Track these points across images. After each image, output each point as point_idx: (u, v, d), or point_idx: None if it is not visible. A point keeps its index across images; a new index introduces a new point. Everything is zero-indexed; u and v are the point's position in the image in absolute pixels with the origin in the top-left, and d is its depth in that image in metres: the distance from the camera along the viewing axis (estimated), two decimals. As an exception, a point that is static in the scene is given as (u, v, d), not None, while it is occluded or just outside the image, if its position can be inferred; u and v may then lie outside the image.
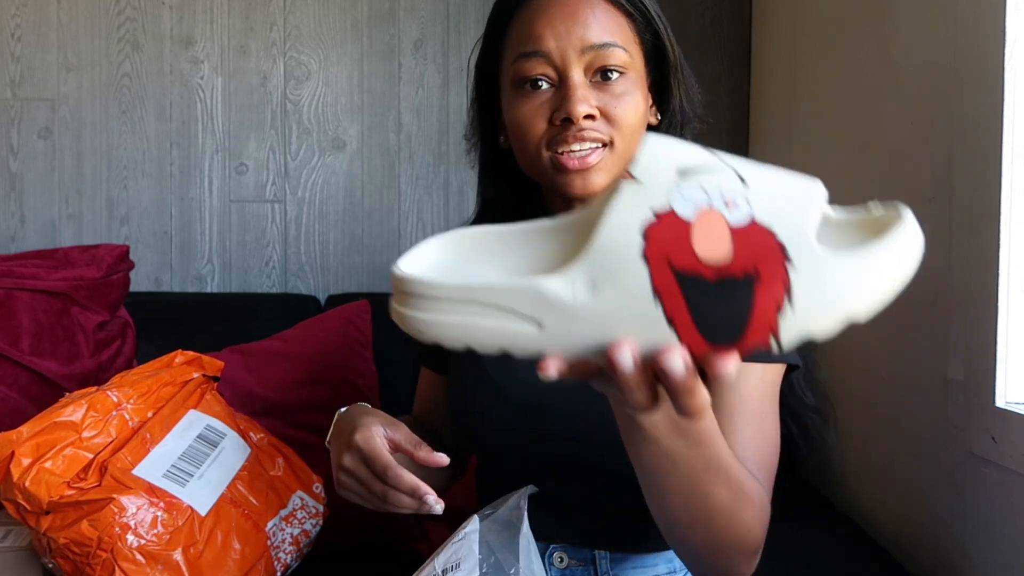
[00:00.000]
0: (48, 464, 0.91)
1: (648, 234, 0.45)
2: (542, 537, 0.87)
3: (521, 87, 0.80)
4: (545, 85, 0.79)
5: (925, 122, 1.09)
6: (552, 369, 0.47)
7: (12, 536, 1.00)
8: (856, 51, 1.30)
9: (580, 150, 0.78)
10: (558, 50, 0.77)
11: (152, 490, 0.93)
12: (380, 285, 1.80)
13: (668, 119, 0.86)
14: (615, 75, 0.78)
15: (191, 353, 1.11)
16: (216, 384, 1.12)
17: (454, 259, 0.53)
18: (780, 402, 0.83)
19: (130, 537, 0.89)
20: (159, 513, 0.92)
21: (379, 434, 0.76)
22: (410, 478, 0.72)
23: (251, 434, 1.09)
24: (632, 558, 0.87)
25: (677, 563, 0.89)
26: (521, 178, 0.87)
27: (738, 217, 0.46)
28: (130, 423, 0.98)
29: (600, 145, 0.79)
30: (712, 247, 0.45)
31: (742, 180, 0.48)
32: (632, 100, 0.79)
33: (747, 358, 0.75)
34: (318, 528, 1.07)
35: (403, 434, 0.77)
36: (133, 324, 1.53)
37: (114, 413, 0.97)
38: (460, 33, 1.80)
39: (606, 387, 0.53)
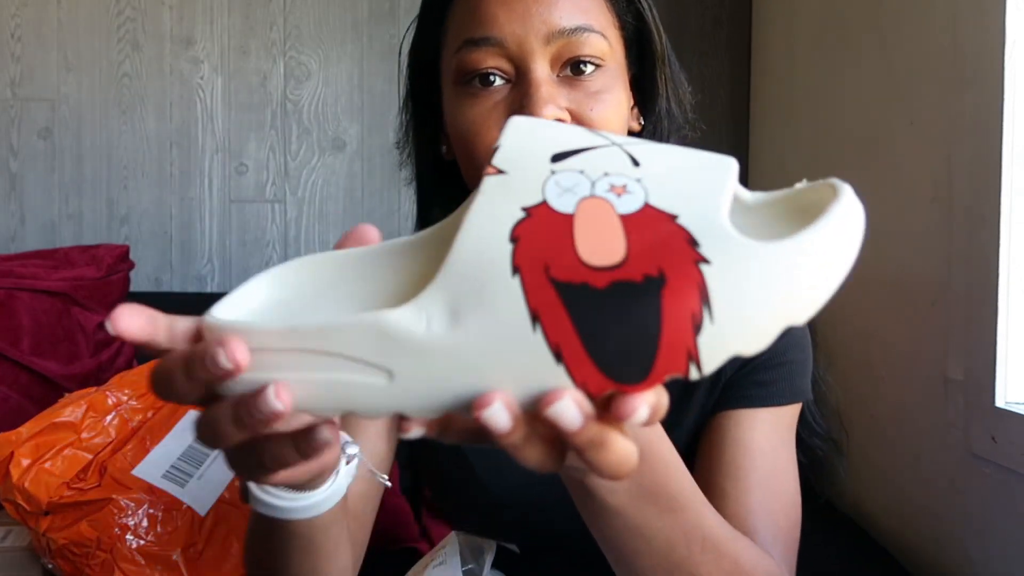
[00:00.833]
0: (48, 465, 0.91)
1: (518, 237, 0.34)
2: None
3: (467, 84, 0.62)
4: (499, 81, 0.61)
5: (925, 122, 1.09)
6: (413, 431, 0.36)
7: (12, 536, 1.00)
8: (856, 51, 1.30)
9: None
10: (515, 37, 0.60)
11: (151, 491, 0.93)
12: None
13: (652, 123, 0.69)
14: (590, 68, 0.61)
15: (191, 353, 1.11)
16: (216, 384, 1.12)
17: (288, 297, 0.41)
18: None
19: (129, 537, 0.89)
20: (158, 514, 0.92)
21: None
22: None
23: (251, 434, 1.09)
24: None
25: None
26: (468, 194, 0.70)
27: (630, 204, 0.35)
28: (130, 424, 0.98)
29: None
30: (600, 245, 0.33)
31: (633, 160, 0.37)
32: (612, 99, 0.62)
33: (755, 402, 0.66)
34: (318, 528, 1.07)
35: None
36: (133, 324, 1.53)
37: (113, 414, 0.97)
38: (460, 33, 1.80)
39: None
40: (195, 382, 0.35)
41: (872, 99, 1.24)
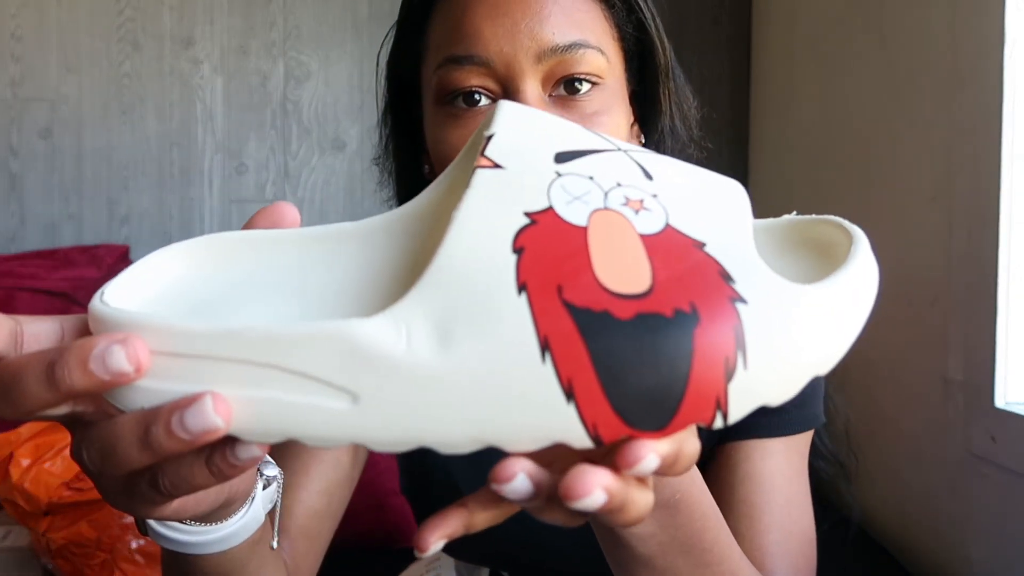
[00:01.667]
0: (47, 465, 0.91)
1: (522, 247, 0.29)
2: None
3: (450, 103, 0.56)
4: (484, 100, 0.56)
5: (925, 122, 1.09)
6: (431, 549, 0.32)
7: (12, 536, 1.00)
8: (856, 51, 1.30)
9: None
10: (503, 56, 0.54)
11: (151, 490, 0.93)
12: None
13: (655, 142, 0.64)
14: (585, 86, 0.55)
15: (191, 353, 1.11)
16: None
17: (197, 283, 0.34)
18: None
19: (129, 537, 0.89)
20: (158, 513, 0.92)
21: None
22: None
23: (251, 434, 1.09)
24: None
25: None
26: None
27: (650, 223, 0.31)
28: (130, 423, 0.98)
29: None
30: (622, 269, 0.29)
31: (645, 172, 0.33)
32: (609, 121, 0.57)
33: (767, 431, 0.62)
34: (318, 528, 1.07)
35: None
36: (133, 324, 1.53)
37: (113, 413, 0.97)
38: (460, 33, 1.80)
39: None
40: (56, 390, 0.27)
41: (872, 99, 1.24)
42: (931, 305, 1.06)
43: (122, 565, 0.88)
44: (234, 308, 0.33)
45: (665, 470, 0.30)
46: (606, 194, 0.31)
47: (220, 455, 0.29)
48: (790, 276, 0.32)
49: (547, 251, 0.29)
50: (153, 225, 1.78)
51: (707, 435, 0.62)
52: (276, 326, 0.27)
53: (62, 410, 0.29)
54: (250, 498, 0.44)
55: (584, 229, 0.30)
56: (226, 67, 1.78)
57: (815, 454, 0.71)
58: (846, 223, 0.37)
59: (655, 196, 0.32)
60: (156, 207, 1.78)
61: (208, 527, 0.43)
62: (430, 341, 0.28)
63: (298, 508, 0.62)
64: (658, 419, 0.28)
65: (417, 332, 0.28)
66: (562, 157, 0.32)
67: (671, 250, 0.30)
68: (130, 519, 0.90)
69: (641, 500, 0.30)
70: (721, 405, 0.29)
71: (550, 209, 0.30)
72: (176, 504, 0.34)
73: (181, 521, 0.42)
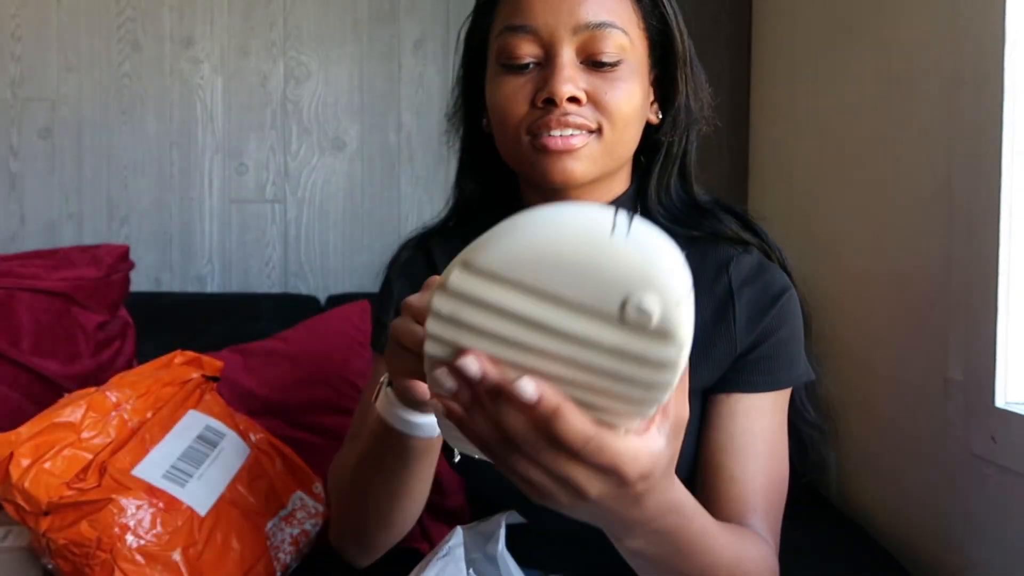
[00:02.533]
0: (47, 465, 0.91)
1: None
2: (539, 567, 0.83)
3: (506, 64, 0.72)
4: (531, 64, 0.71)
5: (925, 122, 1.09)
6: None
7: (12, 536, 1.00)
8: (856, 51, 1.30)
9: (562, 133, 0.70)
10: (547, 27, 0.70)
11: (151, 491, 0.93)
12: (380, 285, 1.80)
13: (672, 118, 0.78)
14: (610, 58, 0.70)
15: (190, 353, 1.11)
16: (216, 384, 1.12)
17: None
18: None
19: (129, 538, 0.89)
20: (158, 514, 0.92)
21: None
22: None
23: (250, 434, 1.09)
24: None
25: None
26: (501, 168, 0.79)
27: None
28: (129, 424, 0.98)
29: (586, 132, 0.71)
30: None
31: None
32: (626, 88, 0.71)
33: (761, 387, 0.75)
34: (318, 528, 1.07)
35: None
36: (133, 324, 1.53)
37: (113, 414, 0.97)
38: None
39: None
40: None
41: (872, 99, 1.24)
42: (931, 305, 1.06)
43: (122, 565, 0.88)
44: None
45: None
46: None
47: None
48: None
49: None
50: (153, 225, 1.78)
51: (705, 383, 0.76)
52: None
53: None
54: None
55: None
56: (226, 67, 1.78)
57: (799, 419, 0.83)
58: None
59: None
60: (156, 207, 1.78)
61: (424, 414, 0.64)
62: None
63: None
64: None
65: None
66: None
67: None
68: (130, 519, 0.90)
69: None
70: None
71: None
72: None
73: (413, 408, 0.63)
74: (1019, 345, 0.91)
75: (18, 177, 1.75)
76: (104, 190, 1.77)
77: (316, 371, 1.42)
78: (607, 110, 0.71)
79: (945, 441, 1.03)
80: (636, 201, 0.81)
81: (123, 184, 1.77)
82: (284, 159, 1.79)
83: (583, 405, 0.41)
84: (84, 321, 1.43)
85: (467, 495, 0.94)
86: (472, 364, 0.40)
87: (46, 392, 1.34)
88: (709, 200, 0.82)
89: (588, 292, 0.38)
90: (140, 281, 1.72)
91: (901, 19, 1.16)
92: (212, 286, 1.79)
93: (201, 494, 0.96)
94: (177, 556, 0.90)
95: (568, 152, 0.70)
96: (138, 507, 0.91)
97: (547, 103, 0.70)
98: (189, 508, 0.94)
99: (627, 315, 0.38)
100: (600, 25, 0.70)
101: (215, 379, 1.13)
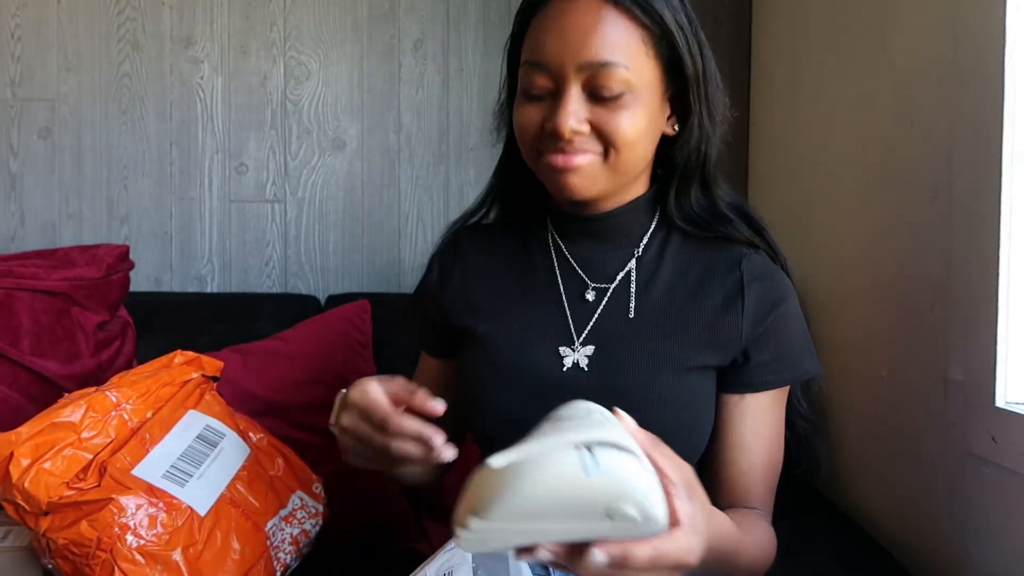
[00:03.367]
0: (47, 465, 0.91)
1: None
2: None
3: (525, 92, 0.81)
4: (545, 94, 0.79)
5: (925, 122, 1.09)
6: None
7: (12, 536, 1.00)
8: (856, 51, 1.30)
9: (565, 154, 0.79)
10: (557, 64, 0.77)
11: (151, 490, 0.93)
12: (380, 285, 1.80)
13: (687, 132, 0.83)
14: (612, 94, 0.76)
15: (190, 353, 1.11)
16: (216, 384, 1.12)
17: None
18: None
19: (129, 537, 0.89)
20: (158, 513, 0.92)
21: (374, 388, 0.74)
22: (413, 423, 0.71)
23: (250, 434, 1.09)
24: None
25: None
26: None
27: None
28: (129, 423, 0.98)
29: (591, 153, 0.79)
30: None
31: None
32: (629, 115, 0.77)
33: (770, 385, 0.85)
34: (318, 528, 1.07)
35: (398, 384, 0.75)
36: (133, 324, 1.53)
37: (113, 413, 0.97)
38: (460, 33, 1.80)
39: None
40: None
41: (872, 99, 1.24)
42: (931, 305, 1.06)
43: (122, 565, 0.88)
44: None
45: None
46: None
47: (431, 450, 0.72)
48: None
49: None
50: (153, 225, 1.78)
51: (706, 362, 0.84)
52: None
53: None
54: None
55: None
56: (226, 67, 1.78)
57: (794, 413, 0.91)
58: None
59: None
60: (156, 207, 1.78)
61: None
62: None
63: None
64: None
65: None
66: None
67: None
68: (130, 519, 0.90)
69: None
70: None
71: None
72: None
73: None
74: (1019, 345, 0.91)
75: (18, 177, 1.75)
76: (104, 190, 1.77)
77: (316, 371, 1.42)
78: (609, 138, 0.78)
79: (945, 441, 1.03)
80: (654, 204, 0.89)
81: (123, 184, 1.77)
82: (284, 159, 1.79)
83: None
84: (84, 321, 1.43)
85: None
86: (542, 552, 0.56)
87: (46, 392, 1.34)
88: (730, 204, 0.89)
89: (580, 513, 0.54)
90: (140, 281, 1.72)
91: (901, 19, 1.16)
92: (212, 286, 1.79)
93: (201, 494, 0.96)
94: (177, 556, 0.90)
95: (570, 169, 0.79)
96: (138, 507, 0.91)
97: (554, 133, 0.78)
98: (189, 508, 0.94)
99: (615, 517, 0.53)
100: (603, 65, 0.75)
101: (215, 379, 1.13)
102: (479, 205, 0.97)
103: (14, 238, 1.75)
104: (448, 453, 0.71)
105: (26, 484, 0.89)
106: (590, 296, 0.87)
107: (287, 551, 1.01)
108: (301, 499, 1.06)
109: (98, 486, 0.91)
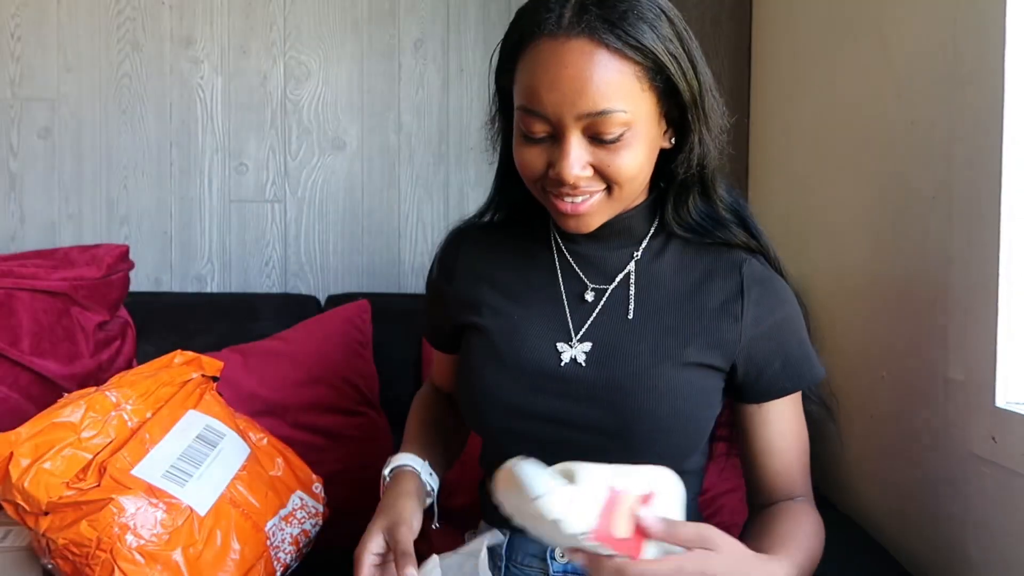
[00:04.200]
0: (47, 465, 0.91)
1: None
2: None
3: (524, 134, 0.80)
4: (545, 137, 0.79)
5: (925, 122, 1.09)
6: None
7: (12, 536, 1.00)
8: (856, 51, 1.30)
9: (572, 200, 0.80)
10: (555, 115, 0.76)
11: (151, 490, 0.93)
12: (380, 285, 1.80)
13: (687, 149, 0.83)
14: (612, 137, 0.76)
15: (190, 353, 1.11)
16: (215, 384, 1.12)
17: None
18: None
19: (129, 537, 0.89)
20: (158, 513, 0.92)
21: (405, 533, 0.81)
22: None
23: (250, 434, 1.09)
24: None
25: None
26: None
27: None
28: (129, 423, 0.98)
29: (597, 191, 0.80)
30: None
31: None
32: (630, 153, 0.78)
33: (789, 391, 0.89)
34: (318, 528, 1.07)
35: (403, 544, 0.81)
36: (133, 324, 1.53)
37: (113, 414, 0.97)
38: (460, 33, 1.80)
39: None
40: None
41: (872, 99, 1.24)
42: (931, 305, 1.06)
43: (122, 565, 0.88)
44: None
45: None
46: None
47: None
48: None
49: None
50: (153, 225, 1.78)
51: (734, 394, 0.89)
52: None
53: None
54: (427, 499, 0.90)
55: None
56: (226, 67, 1.78)
57: (807, 400, 0.94)
58: None
59: None
60: (156, 207, 1.78)
61: None
62: None
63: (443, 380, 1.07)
64: None
65: None
66: None
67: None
68: (130, 519, 0.90)
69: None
70: None
71: None
72: None
73: None
74: (1019, 345, 0.91)
75: (18, 177, 1.75)
76: (104, 190, 1.77)
77: (316, 371, 1.42)
78: (613, 178, 0.79)
79: (945, 441, 1.03)
80: (654, 209, 0.90)
81: (123, 184, 1.77)
82: (284, 159, 1.79)
83: None
84: (84, 321, 1.43)
85: (482, 462, 1.00)
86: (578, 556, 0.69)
87: (46, 392, 1.34)
88: (729, 206, 0.90)
89: (538, 515, 0.66)
90: (140, 281, 1.72)
91: (901, 19, 1.16)
92: (212, 286, 1.79)
93: (201, 494, 0.95)
94: (177, 556, 0.90)
95: (576, 215, 0.81)
96: (138, 507, 0.91)
97: (559, 180, 0.79)
98: (189, 508, 0.94)
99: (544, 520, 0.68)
100: (601, 113, 0.75)
101: (215, 379, 1.13)
102: (483, 211, 0.98)
103: (14, 238, 1.75)
104: None
105: (26, 484, 0.89)
106: (589, 296, 0.88)
107: (287, 551, 1.01)
108: (301, 499, 1.06)
109: (98, 486, 0.91)
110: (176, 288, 1.79)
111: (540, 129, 0.78)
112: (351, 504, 1.15)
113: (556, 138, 0.78)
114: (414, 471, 0.91)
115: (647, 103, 0.78)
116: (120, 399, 0.99)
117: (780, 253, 0.92)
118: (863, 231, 1.27)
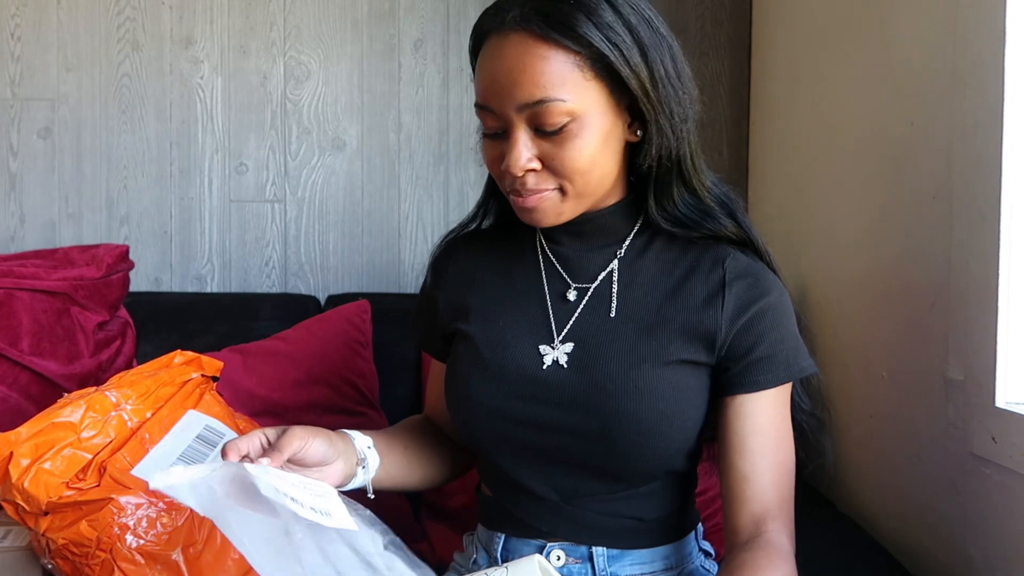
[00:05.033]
0: (47, 465, 0.91)
1: None
2: (539, 535, 0.88)
3: (483, 131, 0.83)
4: (499, 131, 0.80)
5: (925, 122, 1.09)
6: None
7: (12, 536, 1.00)
8: (856, 51, 1.30)
9: (525, 196, 0.81)
10: (499, 107, 0.78)
11: (151, 490, 0.93)
12: (380, 285, 1.80)
13: (648, 138, 0.81)
14: (554, 128, 0.77)
15: (190, 353, 1.11)
16: (215, 384, 1.12)
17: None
18: None
19: (129, 537, 0.89)
20: (158, 513, 0.92)
21: (291, 436, 0.78)
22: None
23: (250, 434, 1.08)
24: (630, 554, 0.87)
25: (674, 559, 0.89)
26: None
27: None
28: (129, 423, 0.98)
29: (548, 190, 0.80)
30: None
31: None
32: (577, 144, 0.77)
33: (763, 385, 0.83)
34: (317, 528, 1.07)
35: (283, 441, 0.77)
36: (133, 324, 1.53)
37: (113, 413, 0.97)
38: (460, 33, 1.80)
39: None
40: None
41: (872, 99, 1.24)
42: (931, 305, 1.06)
43: (122, 565, 0.88)
44: None
45: None
46: None
47: None
48: None
49: None
50: (153, 225, 1.78)
51: (714, 388, 0.85)
52: None
53: None
54: (359, 470, 0.87)
55: None
56: (226, 67, 1.78)
57: (796, 409, 0.89)
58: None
59: None
60: (156, 207, 1.78)
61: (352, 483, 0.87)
62: None
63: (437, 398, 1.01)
64: None
65: None
66: None
67: None
68: (130, 519, 0.90)
69: None
70: None
71: None
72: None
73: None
74: (1019, 345, 0.91)
75: (18, 177, 1.75)
76: (104, 190, 1.77)
77: (316, 371, 1.42)
78: (560, 172, 0.79)
79: (945, 441, 1.03)
80: (635, 208, 0.88)
81: (123, 184, 1.77)
82: (284, 159, 1.79)
83: None
84: (84, 321, 1.43)
85: (479, 471, 0.99)
86: None
87: (46, 392, 1.34)
88: (715, 196, 0.87)
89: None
90: (140, 281, 1.72)
91: (901, 19, 1.16)
92: (212, 286, 1.79)
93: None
94: (177, 556, 0.90)
95: (530, 209, 0.82)
96: (138, 507, 0.91)
97: (508, 174, 0.80)
98: (189, 508, 0.94)
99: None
100: (538, 103, 0.76)
101: (215, 379, 1.13)
102: (472, 218, 0.98)
103: (14, 238, 1.75)
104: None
105: (26, 484, 0.89)
106: (571, 296, 0.88)
107: (287, 551, 1.01)
108: (301, 499, 1.06)
109: (98, 486, 0.91)
110: (176, 288, 1.79)
111: (493, 124, 0.80)
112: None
113: (507, 132, 0.79)
114: (349, 436, 0.87)
115: (593, 93, 0.77)
116: (120, 399, 0.99)
117: (780, 253, 0.91)
118: (863, 231, 1.27)
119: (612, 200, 0.86)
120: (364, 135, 1.80)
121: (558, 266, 0.90)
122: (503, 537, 0.91)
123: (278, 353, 1.43)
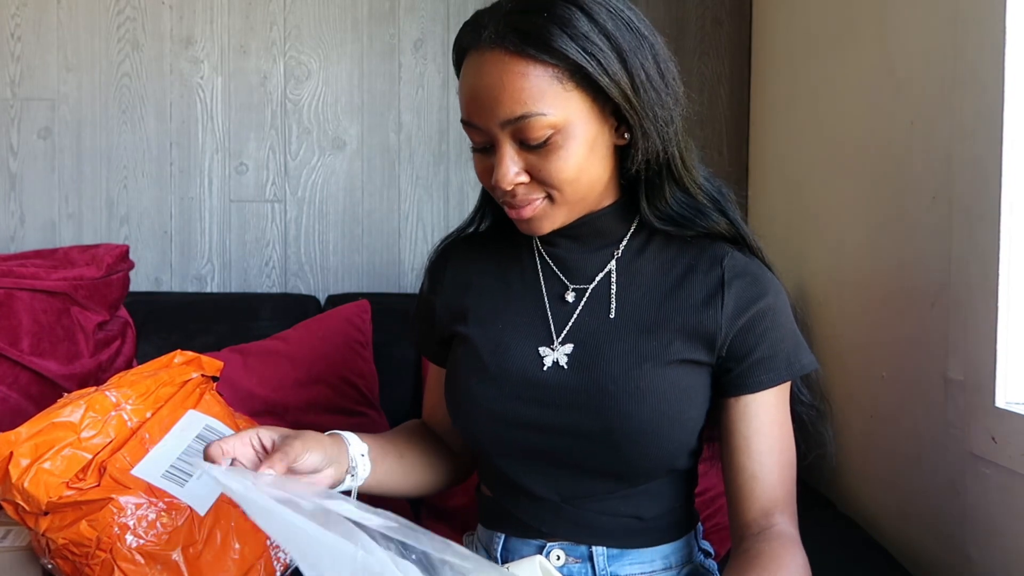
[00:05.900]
0: (47, 465, 0.91)
1: None
2: (539, 535, 0.88)
3: (472, 143, 0.83)
4: (487, 145, 0.81)
5: (925, 122, 1.09)
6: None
7: (12, 536, 1.00)
8: (856, 51, 1.30)
9: (518, 208, 0.82)
10: (483, 123, 0.78)
11: (151, 490, 0.93)
12: (380, 285, 1.80)
13: (635, 141, 0.81)
14: (538, 141, 0.77)
15: (190, 353, 1.11)
16: (215, 384, 1.12)
17: None
18: None
19: (129, 537, 0.89)
20: (158, 513, 0.92)
21: (293, 442, 0.75)
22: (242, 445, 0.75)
23: (250, 434, 1.08)
24: (630, 553, 0.87)
25: (674, 558, 0.89)
26: None
27: None
28: (129, 423, 0.98)
29: (538, 200, 0.81)
30: None
31: None
32: (562, 155, 0.77)
33: (765, 384, 0.83)
34: (317, 528, 1.07)
35: (285, 446, 0.75)
36: (133, 324, 1.53)
37: (113, 413, 0.97)
38: (460, 33, 1.79)
39: None
40: None
41: (872, 99, 1.24)
42: (931, 305, 1.06)
43: (122, 565, 0.88)
44: None
45: None
46: None
47: None
48: None
49: None
50: (153, 225, 1.78)
51: (716, 389, 0.85)
52: None
53: None
54: (347, 477, 0.84)
55: None
56: (226, 67, 1.78)
57: (797, 402, 0.90)
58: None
59: None
60: (156, 207, 1.78)
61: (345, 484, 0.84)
62: None
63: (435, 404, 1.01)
64: None
65: None
66: None
67: None
68: (130, 519, 0.90)
69: None
70: None
71: None
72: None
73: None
74: (1019, 345, 0.91)
75: (18, 177, 1.75)
76: (104, 190, 1.77)
77: (316, 371, 1.42)
78: (548, 182, 0.79)
79: (945, 441, 1.03)
80: (629, 209, 0.88)
81: (123, 184, 1.77)
82: (284, 159, 1.79)
83: None
84: (84, 321, 1.43)
85: (479, 473, 0.99)
86: None
87: (46, 392, 1.34)
88: (708, 194, 0.87)
89: None
90: (140, 281, 1.72)
91: (901, 19, 1.16)
92: (212, 286, 1.79)
93: (201, 494, 0.96)
94: (177, 556, 0.90)
95: (526, 220, 0.82)
96: (138, 507, 0.91)
97: (498, 188, 0.81)
98: (189, 508, 0.94)
99: None
100: (519, 119, 0.76)
101: (215, 379, 1.13)
102: (469, 222, 0.98)
103: (14, 238, 1.75)
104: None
105: (26, 484, 0.89)
106: (570, 297, 0.88)
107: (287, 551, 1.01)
108: (301, 499, 1.06)
109: (98, 486, 0.91)
110: (176, 288, 1.79)
111: (479, 140, 0.81)
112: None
113: (494, 147, 0.80)
114: (344, 440, 0.84)
115: (575, 103, 0.77)
116: (120, 399, 0.99)
117: (779, 253, 0.92)
118: (863, 231, 1.27)
119: (606, 203, 0.86)
120: (364, 135, 1.80)
121: (555, 268, 0.90)
122: (503, 537, 0.91)
123: (278, 353, 1.43)
